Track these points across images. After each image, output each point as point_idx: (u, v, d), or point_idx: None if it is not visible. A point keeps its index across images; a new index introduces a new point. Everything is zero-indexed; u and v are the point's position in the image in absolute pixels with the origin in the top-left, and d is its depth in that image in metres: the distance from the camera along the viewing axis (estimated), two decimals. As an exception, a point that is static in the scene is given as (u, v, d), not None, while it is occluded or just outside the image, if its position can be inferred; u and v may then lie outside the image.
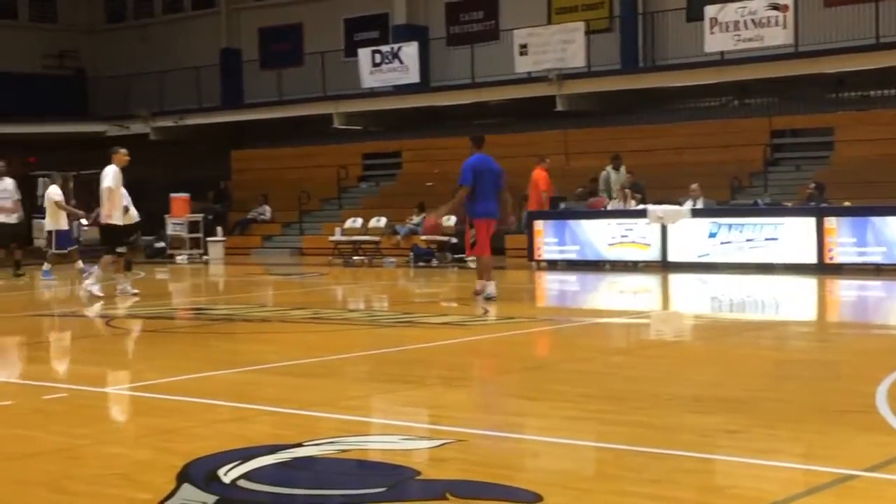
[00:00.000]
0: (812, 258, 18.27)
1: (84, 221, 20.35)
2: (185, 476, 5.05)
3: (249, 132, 34.84)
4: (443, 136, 30.99)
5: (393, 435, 6.08)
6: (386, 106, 31.15)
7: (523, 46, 27.70)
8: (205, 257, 27.88)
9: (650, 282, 18.20)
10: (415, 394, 7.51)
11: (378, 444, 5.89)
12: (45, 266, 20.06)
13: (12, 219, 20.99)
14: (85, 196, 31.20)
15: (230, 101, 34.95)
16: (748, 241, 18.85)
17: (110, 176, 15.87)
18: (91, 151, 34.84)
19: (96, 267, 16.13)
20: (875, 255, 18.07)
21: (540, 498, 4.63)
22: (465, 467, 5.25)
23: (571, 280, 19.18)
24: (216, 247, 28.28)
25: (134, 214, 18.11)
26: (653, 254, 19.83)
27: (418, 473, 5.09)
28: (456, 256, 23.47)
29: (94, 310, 14.46)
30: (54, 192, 20.21)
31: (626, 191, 21.23)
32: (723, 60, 25.68)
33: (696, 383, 7.75)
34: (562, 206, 23.27)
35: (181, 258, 27.41)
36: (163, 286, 20.54)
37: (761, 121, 26.20)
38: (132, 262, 21.03)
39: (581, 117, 28.63)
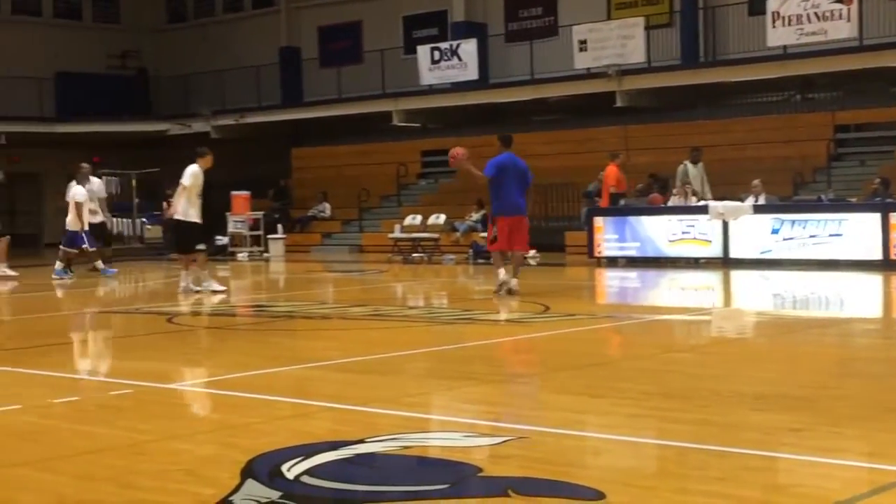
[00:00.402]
0: (877, 255, 18.00)
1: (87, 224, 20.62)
2: (249, 472, 5.09)
3: (309, 130, 35.01)
4: (502, 132, 30.94)
5: (454, 431, 6.08)
6: (445, 103, 31.18)
7: (582, 42, 27.59)
8: (265, 255, 28.07)
9: (711, 278, 18.05)
10: (475, 390, 7.51)
11: (439, 441, 5.90)
12: (57, 265, 20.25)
13: (97, 219, 21.39)
14: (146, 194, 31.60)
15: (290, 100, 35.16)
16: (811, 237, 18.62)
17: (188, 175, 15.98)
18: (153, 150, 35.34)
19: (186, 271, 16.24)
20: (942, 251, 17.78)
21: (602, 496, 4.61)
22: (526, 464, 5.24)
23: (632, 277, 19.07)
24: (276, 244, 28.47)
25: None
26: (714, 250, 19.66)
27: (480, 470, 5.09)
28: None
29: (212, 302, 14.85)
30: (79, 193, 20.46)
31: (687, 187, 21.06)
32: (785, 55, 25.40)
33: (759, 381, 7.67)
34: (622, 202, 23.15)
35: (242, 256, 27.63)
36: (224, 283, 20.69)
37: (825, 115, 25.88)
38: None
39: (641, 113, 28.48)
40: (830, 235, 18.45)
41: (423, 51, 30.53)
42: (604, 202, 22.36)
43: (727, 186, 21.63)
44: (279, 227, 29.18)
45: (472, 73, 29.67)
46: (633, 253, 20.76)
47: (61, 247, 20.50)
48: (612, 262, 20.96)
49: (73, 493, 5.02)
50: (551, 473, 5.04)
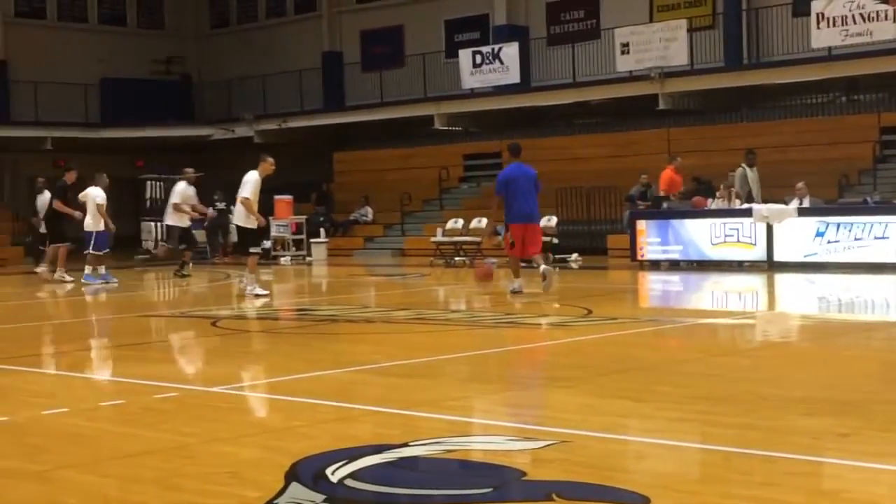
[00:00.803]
0: (923, 257, 17.82)
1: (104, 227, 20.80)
2: (293, 475, 5.11)
3: (351, 134, 35.11)
4: (543, 136, 30.92)
5: (497, 435, 6.07)
6: (486, 106, 31.17)
7: (625, 45, 27.51)
8: (308, 258, 28.17)
9: (755, 282, 17.93)
10: (518, 394, 7.50)
11: (483, 445, 5.90)
12: (87, 269, 20.38)
13: (184, 222, 21.67)
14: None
15: (332, 104, 35.28)
16: (857, 240, 18.45)
17: (249, 185, 16.40)
18: (196, 155, 35.57)
19: (247, 272, 16.58)
20: None
21: (647, 500, 4.59)
22: (569, 468, 5.22)
23: (675, 280, 18.98)
24: (319, 248, 28.57)
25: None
26: (758, 253, 19.52)
27: (524, 474, 5.08)
28: (557, 257, 23.38)
29: (256, 306, 14.97)
30: (97, 194, 20.61)
31: (732, 189, 20.92)
32: (830, 56, 25.19)
33: (804, 385, 7.61)
34: (664, 205, 23.04)
35: (285, 259, 27.74)
36: (267, 287, 20.79)
37: (870, 117, 25.64)
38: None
39: (683, 115, 28.35)
40: (876, 238, 18.27)
41: (464, 55, 30.55)
42: (696, 201, 21.98)
43: (771, 189, 21.48)
44: (322, 231, 29.29)
45: (513, 77, 29.65)
46: (675, 256, 20.67)
47: (88, 252, 20.61)
48: (655, 265, 20.87)
49: (119, 495, 5.06)
50: (595, 478, 5.02)
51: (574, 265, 22.76)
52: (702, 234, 20.21)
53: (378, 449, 5.59)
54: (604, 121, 30.69)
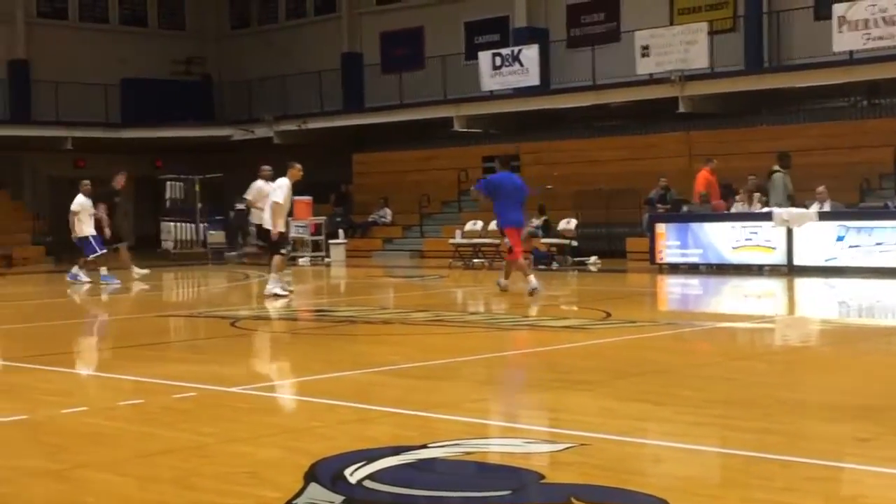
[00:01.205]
0: (945, 262, 17.72)
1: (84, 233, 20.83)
2: (312, 475, 5.12)
3: (370, 135, 35.15)
4: (563, 138, 30.91)
5: (516, 438, 6.07)
6: (506, 109, 31.16)
7: (645, 48, 27.46)
8: (326, 259, 28.20)
9: (775, 286, 17.87)
10: (537, 397, 7.49)
11: (501, 447, 5.89)
12: (102, 271, 20.49)
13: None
14: (209, 199, 31.89)
15: (352, 105, 35.33)
16: (878, 244, 18.36)
17: (280, 191, 16.56)
18: (215, 155, 35.69)
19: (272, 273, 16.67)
20: None
21: (665, 504, 4.58)
22: (588, 471, 5.22)
23: (694, 283, 18.93)
24: (338, 249, 28.59)
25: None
26: (778, 257, 19.45)
27: (542, 477, 5.07)
28: (576, 259, 23.36)
29: (277, 307, 15.06)
30: (76, 202, 20.66)
31: (752, 193, 20.84)
32: (852, 60, 25.09)
33: (824, 390, 7.58)
34: (684, 208, 22.98)
35: (303, 260, 27.77)
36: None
37: (892, 121, 25.49)
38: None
39: (704, 119, 28.27)
40: (897, 243, 18.18)
41: (484, 56, 30.54)
42: (716, 204, 21.85)
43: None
44: (340, 232, 29.31)
45: (533, 79, 29.64)
46: (695, 259, 20.61)
47: (90, 257, 20.68)
48: (674, 268, 20.82)
49: (137, 495, 5.07)
50: (613, 481, 5.01)
51: (593, 268, 22.73)
52: (722, 238, 20.15)
53: (396, 450, 5.59)
54: (623, 123, 30.64)
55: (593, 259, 23.33)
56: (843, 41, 24.48)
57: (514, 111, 31.00)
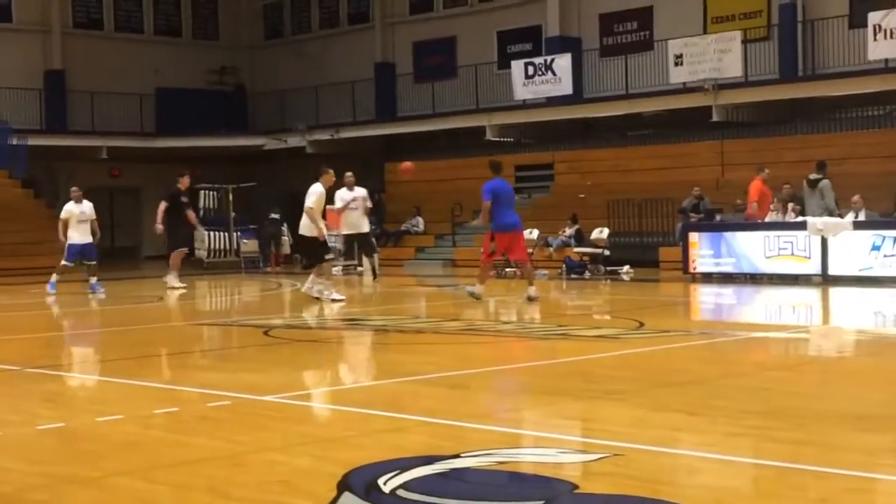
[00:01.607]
0: (982, 272, 17.56)
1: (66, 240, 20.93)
2: (345, 485, 5.13)
3: (403, 145, 35.22)
4: (596, 147, 30.88)
5: (549, 448, 6.06)
6: (539, 118, 31.16)
7: (678, 56, 27.40)
8: (359, 269, 28.23)
9: (810, 296, 17.76)
10: (570, 406, 7.48)
11: (535, 457, 5.88)
12: (91, 279, 20.55)
13: (364, 227, 21.91)
14: (242, 208, 32.05)
15: (384, 115, 35.42)
16: (913, 254, 18.23)
17: (313, 196, 16.87)
18: (249, 165, 35.86)
19: (318, 279, 17.11)
20: None
21: (700, 515, 4.56)
22: (622, 482, 5.20)
23: (727, 293, 18.84)
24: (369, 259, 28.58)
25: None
26: (813, 267, 19.33)
27: (576, 487, 5.06)
28: (609, 269, 23.30)
29: (334, 312, 15.37)
30: (63, 211, 20.78)
31: (786, 202, 20.71)
32: (887, 68, 24.93)
33: (860, 400, 7.53)
34: (717, 217, 22.89)
35: (336, 269, 27.80)
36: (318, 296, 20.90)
37: (928, 130, 25.36)
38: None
39: (737, 128, 28.17)
40: (933, 253, 18.04)
41: (517, 66, 30.57)
42: (749, 213, 21.73)
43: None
44: (373, 241, 29.33)
45: (566, 88, 29.63)
46: (729, 269, 20.52)
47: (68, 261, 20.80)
48: (708, 277, 20.73)
49: (172, 503, 5.10)
50: (647, 491, 4.99)
51: (626, 277, 22.67)
52: (755, 247, 20.05)
53: (429, 460, 5.59)
54: (656, 132, 30.57)
55: (626, 268, 23.27)
56: (879, 49, 24.34)
57: (547, 120, 31.00)
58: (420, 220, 31.55)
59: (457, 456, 5.68)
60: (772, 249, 19.82)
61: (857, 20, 25.90)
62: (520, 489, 5.23)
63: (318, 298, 16.61)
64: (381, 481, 5.14)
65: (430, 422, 6.81)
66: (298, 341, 12.52)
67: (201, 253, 30.72)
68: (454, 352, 10.93)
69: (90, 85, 35.07)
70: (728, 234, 20.63)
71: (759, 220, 20.87)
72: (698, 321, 15.37)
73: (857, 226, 19.15)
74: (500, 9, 34.13)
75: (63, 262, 20.60)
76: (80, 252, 20.62)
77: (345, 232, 22.43)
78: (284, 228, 30.10)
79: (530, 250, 24.83)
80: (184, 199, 21.46)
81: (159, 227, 20.89)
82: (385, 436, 6.47)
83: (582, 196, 28.42)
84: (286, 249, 30.08)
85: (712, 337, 11.93)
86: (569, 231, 25.45)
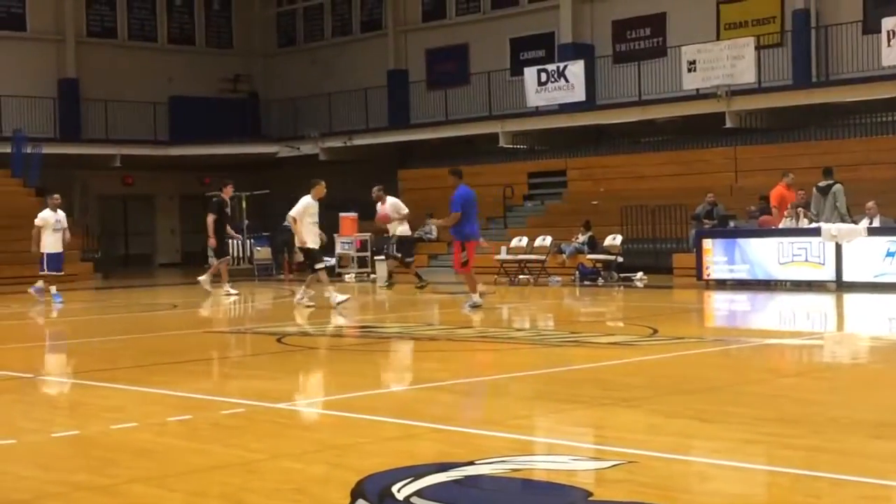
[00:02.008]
0: None
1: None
2: (359, 492, 5.13)
3: (416, 152, 35.26)
4: (609, 154, 30.85)
5: (563, 455, 6.05)
6: (552, 124, 31.17)
7: (691, 63, 27.38)
8: (372, 276, 28.26)
9: (824, 302, 17.71)
10: (584, 414, 7.47)
11: (548, 464, 5.88)
12: (53, 289, 20.59)
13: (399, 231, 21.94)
14: (256, 215, 32.11)
15: (397, 122, 35.46)
16: (928, 260, 18.16)
17: (298, 207, 17.47)
18: (263, 172, 35.93)
19: (307, 289, 17.83)
20: None
21: (714, 522, 4.55)
22: (635, 489, 5.19)
23: (741, 299, 18.80)
24: (383, 265, 28.60)
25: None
26: (827, 273, 19.27)
27: (590, 494, 5.06)
28: (622, 275, 23.27)
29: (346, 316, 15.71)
30: (39, 218, 20.77)
31: (800, 209, 20.66)
32: (901, 74, 24.88)
33: (876, 407, 7.50)
34: (731, 224, 22.84)
35: (349, 277, 27.85)
36: (330, 304, 20.92)
37: (942, 136, 25.27)
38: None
39: (751, 134, 28.13)
40: (948, 259, 17.97)
41: (529, 72, 30.57)
42: (773, 220, 21.66)
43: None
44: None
45: (579, 95, 29.62)
46: (742, 275, 20.47)
47: (49, 272, 20.80)
48: (721, 284, 20.69)
49: (187, 510, 5.11)
50: (661, 499, 4.98)
51: (639, 284, 22.63)
52: (769, 254, 20.01)
53: (443, 467, 5.59)
54: (670, 139, 30.53)
55: (639, 275, 23.23)
56: (893, 55, 24.29)
57: (560, 127, 31.01)
58: (433, 227, 31.54)
59: (471, 463, 5.68)
60: (786, 256, 19.77)
61: (870, 26, 25.84)
62: (534, 496, 5.22)
63: (310, 306, 17.06)
64: (394, 488, 5.14)
65: (443, 429, 6.81)
66: (312, 349, 12.53)
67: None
68: (467, 359, 10.93)
69: (104, 93, 35.18)
70: (742, 241, 20.58)
71: (773, 227, 20.83)
72: (712, 328, 15.33)
73: (872, 232, 19.09)
74: (513, 16, 34.15)
75: (44, 273, 20.61)
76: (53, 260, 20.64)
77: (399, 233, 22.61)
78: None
79: (543, 256, 24.90)
80: (227, 210, 21.57)
81: (213, 241, 20.91)
82: (398, 443, 6.47)
83: (595, 203, 28.38)
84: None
85: (726, 344, 11.91)
86: (582, 238, 25.41)
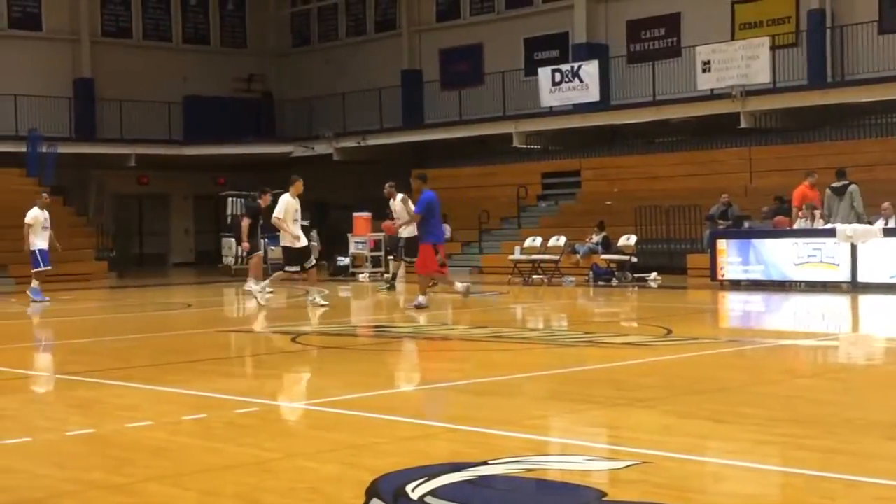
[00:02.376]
0: None
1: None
2: (373, 492, 5.14)
3: (430, 152, 35.26)
4: (623, 154, 30.82)
5: (577, 455, 6.05)
6: (566, 125, 31.16)
7: (706, 63, 27.32)
8: (386, 275, 28.27)
9: (839, 303, 17.66)
10: (598, 414, 7.46)
11: (562, 464, 5.87)
12: (34, 284, 20.67)
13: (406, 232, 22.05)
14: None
15: (411, 122, 35.47)
16: (944, 261, 18.09)
17: (280, 207, 17.45)
18: (277, 172, 35.95)
19: (312, 287, 18.05)
20: None
21: (729, 523, 4.54)
22: (650, 490, 5.18)
23: (756, 300, 18.75)
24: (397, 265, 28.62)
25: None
26: (842, 274, 19.20)
27: (604, 495, 5.05)
28: (636, 276, 23.24)
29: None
30: (29, 216, 20.79)
31: (815, 210, 20.60)
32: (917, 73, 24.81)
33: (891, 408, 7.48)
34: (746, 224, 22.79)
35: (363, 276, 27.87)
36: (345, 304, 20.98)
37: (958, 136, 25.17)
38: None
39: (766, 134, 28.06)
40: (964, 259, 17.90)
41: (544, 73, 30.56)
42: (780, 220, 21.58)
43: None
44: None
45: (593, 95, 29.59)
46: (757, 276, 20.42)
47: (45, 267, 20.90)
48: (736, 285, 20.64)
49: (202, 509, 5.12)
50: (676, 499, 4.98)
51: (653, 284, 22.59)
52: (784, 255, 19.96)
53: (457, 467, 5.60)
54: (684, 139, 30.49)
55: (653, 275, 23.19)
56: (909, 54, 24.19)
57: (574, 127, 30.99)
58: (447, 227, 31.51)
59: (484, 463, 5.68)
60: (800, 257, 19.72)
61: (886, 26, 25.77)
62: (548, 497, 5.22)
63: (324, 305, 17.12)
64: (409, 488, 5.14)
65: (457, 429, 6.81)
66: (326, 348, 12.54)
67: (228, 260, 30.82)
68: (481, 359, 10.93)
69: (119, 93, 35.27)
70: (756, 241, 20.54)
71: (788, 227, 20.79)
72: (727, 328, 15.30)
73: (887, 233, 19.02)
74: (527, 16, 34.14)
75: (40, 269, 20.72)
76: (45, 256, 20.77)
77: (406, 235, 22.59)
78: (314, 234, 30.21)
79: (557, 257, 24.88)
80: (261, 219, 21.64)
81: (246, 245, 20.96)
82: (412, 442, 6.48)
83: (609, 203, 28.35)
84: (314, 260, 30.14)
85: (741, 344, 11.88)
86: (596, 238, 25.39)
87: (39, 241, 20.80)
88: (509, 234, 29.89)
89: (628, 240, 24.21)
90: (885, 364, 10.76)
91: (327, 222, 33.41)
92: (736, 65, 26.80)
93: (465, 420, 7.07)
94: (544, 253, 25.33)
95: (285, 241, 17.63)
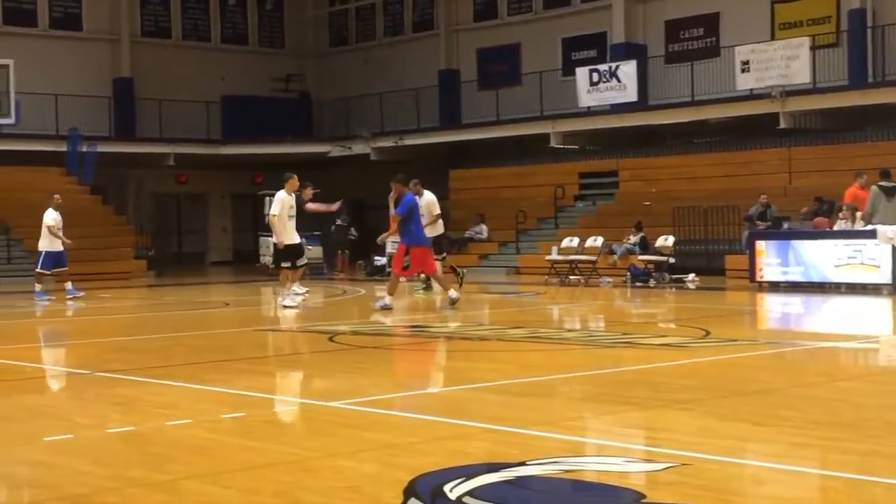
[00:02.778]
0: None
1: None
2: (411, 491, 5.15)
3: (467, 152, 35.27)
4: (661, 154, 30.70)
5: (615, 456, 6.04)
6: (603, 125, 31.07)
7: (745, 63, 27.17)
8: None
9: (880, 305, 17.51)
10: (636, 415, 7.44)
11: (600, 466, 5.87)
12: (37, 287, 20.85)
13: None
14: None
15: (448, 122, 35.48)
16: None
17: (276, 203, 17.40)
18: (314, 171, 36.06)
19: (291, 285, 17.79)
20: None
21: (769, 526, 4.52)
22: (689, 492, 5.17)
23: (795, 302, 18.63)
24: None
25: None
26: (883, 276, 19.03)
27: (643, 497, 5.04)
28: (674, 277, 23.15)
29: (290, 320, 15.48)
30: (48, 217, 20.99)
31: (857, 212, 20.41)
32: (959, 74, 24.55)
33: (932, 412, 7.42)
34: (785, 225, 22.65)
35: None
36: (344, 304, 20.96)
37: None
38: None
39: (805, 135, 27.87)
40: None
41: (581, 72, 30.49)
42: (819, 221, 21.40)
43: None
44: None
45: (631, 95, 29.49)
46: (796, 278, 20.28)
47: (38, 270, 21.05)
48: (774, 286, 20.51)
49: (242, 507, 5.15)
50: (715, 502, 4.96)
51: (691, 285, 22.50)
52: (824, 256, 19.81)
53: (495, 467, 5.60)
54: (722, 139, 30.33)
55: (691, 276, 23.10)
56: (951, 55, 23.96)
57: (612, 127, 30.91)
58: (484, 227, 31.54)
59: (522, 464, 5.68)
60: (840, 258, 19.56)
61: (928, 25, 25.54)
62: (586, 498, 5.22)
63: (293, 307, 17.17)
64: (447, 488, 5.15)
65: (495, 429, 6.81)
66: (363, 348, 12.57)
67: (266, 259, 30.92)
68: (518, 359, 10.92)
69: (158, 92, 35.51)
70: (796, 243, 20.40)
71: (828, 229, 20.63)
72: (765, 330, 15.22)
73: (929, 235, 18.84)
74: (565, 16, 34.08)
75: (63, 268, 20.89)
76: (56, 260, 20.91)
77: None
78: (353, 231, 30.41)
79: (594, 257, 24.83)
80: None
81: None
82: (450, 442, 6.48)
83: (647, 203, 28.25)
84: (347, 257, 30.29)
85: (780, 346, 11.81)
86: (633, 238, 25.32)
87: (47, 243, 20.96)
88: (546, 234, 29.84)
89: (666, 240, 24.12)
90: (927, 367, 10.66)
91: (364, 222, 33.48)
92: (775, 65, 26.63)
93: (503, 420, 7.07)
94: (581, 253, 25.27)
95: (276, 238, 17.62)
